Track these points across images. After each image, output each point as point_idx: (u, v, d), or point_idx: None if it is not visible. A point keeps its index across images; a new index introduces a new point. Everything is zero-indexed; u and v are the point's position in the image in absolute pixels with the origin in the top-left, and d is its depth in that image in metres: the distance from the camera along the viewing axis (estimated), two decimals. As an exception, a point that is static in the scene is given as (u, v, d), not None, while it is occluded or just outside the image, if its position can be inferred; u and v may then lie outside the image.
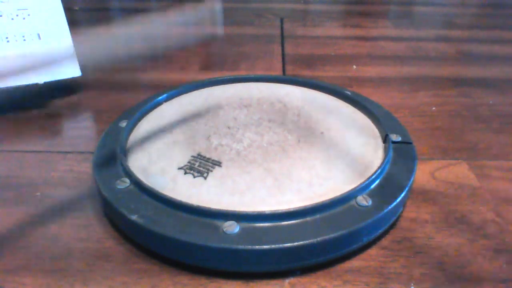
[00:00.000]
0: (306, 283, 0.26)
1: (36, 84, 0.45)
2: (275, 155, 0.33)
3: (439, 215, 0.31)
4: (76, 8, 0.87)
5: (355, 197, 0.28)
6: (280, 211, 0.26)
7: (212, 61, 0.61)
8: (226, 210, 0.27)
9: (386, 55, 0.63)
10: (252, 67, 0.58)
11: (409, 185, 0.30)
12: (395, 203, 0.28)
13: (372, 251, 0.28)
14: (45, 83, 0.46)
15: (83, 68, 0.48)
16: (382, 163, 0.31)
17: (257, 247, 0.25)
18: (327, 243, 0.26)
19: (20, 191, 0.34)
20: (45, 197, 0.33)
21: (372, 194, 0.29)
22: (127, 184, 0.30)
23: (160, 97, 0.42)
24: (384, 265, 0.27)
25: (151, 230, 0.26)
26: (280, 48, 0.65)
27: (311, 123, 0.38)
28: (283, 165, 0.32)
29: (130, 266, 0.27)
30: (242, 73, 0.56)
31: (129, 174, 0.30)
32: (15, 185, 0.34)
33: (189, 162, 0.32)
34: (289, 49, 0.65)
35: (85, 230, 0.30)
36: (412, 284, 0.26)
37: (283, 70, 0.57)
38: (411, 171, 0.32)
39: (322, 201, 0.27)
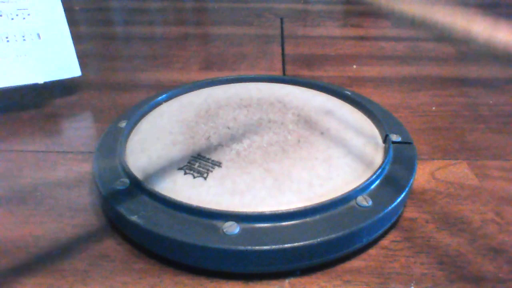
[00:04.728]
0: (306, 283, 0.26)
1: (36, 84, 0.45)
2: (275, 155, 0.33)
3: (439, 215, 0.31)
4: (76, 8, 0.87)
5: (355, 197, 0.28)
6: (280, 211, 0.26)
7: (212, 61, 0.61)
8: (226, 211, 0.27)
9: (386, 55, 0.63)
10: (252, 67, 0.58)
11: (409, 185, 0.30)
12: (395, 203, 0.28)
13: (372, 251, 0.28)
14: (45, 83, 0.46)
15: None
16: (382, 163, 0.31)
17: (257, 247, 0.25)
18: (327, 244, 0.26)
19: (20, 191, 0.34)
20: (45, 197, 0.33)
21: (372, 195, 0.29)
22: (127, 185, 0.30)
23: (160, 97, 0.42)
24: (384, 265, 0.27)
25: (151, 231, 0.26)
26: (280, 48, 0.65)
27: (311, 123, 0.38)
28: (283, 165, 0.32)
29: (130, 266, 0.27)
30: (242, 73, 0.56)
31: (129, 175, 0.30)
32: (15, 185, 0.34)
33: (189, 162, 0.32)
34: (289, 49, 0.65)
35: (85, 230, 0.30)
36: (412, 284, 0.26)
37: (283, 70, 0.57)
38: (411, 171, 0.32)
39: (322, 202, 0.27)
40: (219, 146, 0.34)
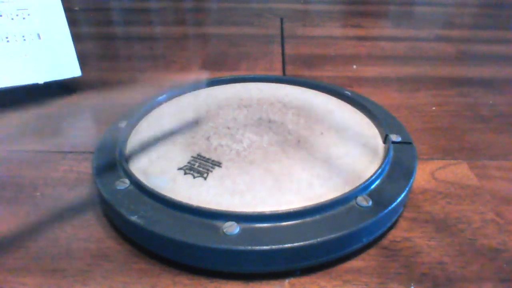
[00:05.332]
0: (306, 283, 0.26)
1: (36, 84, 0.45)
2: (275, 155, 0.33)
3: (439, 215, 0.31)
4: (76, 8, 0.87)
5: (355, 197, 0.28)
6: (280, 211, 0.26)
7: (212, 61, 0.61)
8: (226, 211, 0.27)
9: (386, 55, 0.63)
10: (252, 67, 0.58)
11: (409, 185, 0.30)
12: (395, 204, 0.28)
13: (372, 251, 0.28)
14: (45, 83, 0.46)
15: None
16: (382, 163, 0.31)
17: (257, 247, 0.25)
18: (327, 244, 0.26)
19: (20, 191, 0.34)
20: (45, 197, 0.33)
21: (372, 195, 0.29)
22: (127, 185, 0.30)
23: (160, 97, 0.42)
24: (384, 265, 0.27)
25: (151, 231, 0.26)
26: (280, 48, 0.65)
27: (311, 123, 0.38)
28: (283, 165, 0.32)
29: (130, 266, 0.27)
30: (242, 73, 0.56)
31: (128, 175, 0.30)
32: (15, 185, 0.34)
33: (189, 162, 0.32)
34: (289, 49, 0.65)
35: (85, 230, 0.30)
36: (412, 284, 0.26)
37: (283, 70, 0.57)
38: (411, 171, 0.31)
39: (322, 202, 0.27)
40: (219, 146, 0.34)
